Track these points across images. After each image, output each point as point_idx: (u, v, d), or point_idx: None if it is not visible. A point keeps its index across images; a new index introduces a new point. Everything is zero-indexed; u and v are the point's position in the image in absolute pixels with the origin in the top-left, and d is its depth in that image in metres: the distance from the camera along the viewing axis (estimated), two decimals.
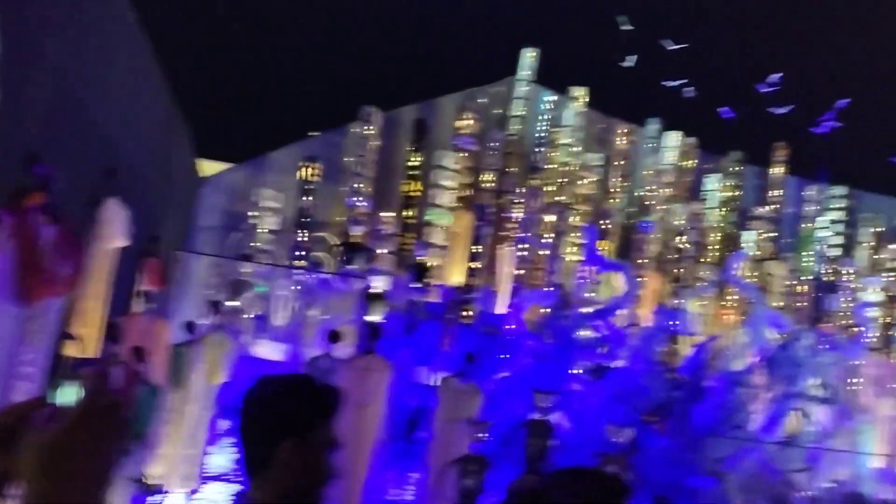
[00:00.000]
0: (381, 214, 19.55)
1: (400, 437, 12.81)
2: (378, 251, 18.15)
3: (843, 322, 20.86)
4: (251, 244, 17.01)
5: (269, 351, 13.99)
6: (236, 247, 16.92)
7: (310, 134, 20.98)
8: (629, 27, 25.62)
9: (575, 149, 22.69)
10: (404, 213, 20.39)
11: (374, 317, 13.64)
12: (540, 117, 23.10)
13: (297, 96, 29.06)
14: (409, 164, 20.86)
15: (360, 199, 19.13)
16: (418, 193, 20.73)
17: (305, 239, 17.75)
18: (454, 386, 11.62)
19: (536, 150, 22.59)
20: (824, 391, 14.01)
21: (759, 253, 22.97)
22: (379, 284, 15.28)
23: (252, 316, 14.91)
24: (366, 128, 19.94)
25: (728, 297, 21.53)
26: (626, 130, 23.93)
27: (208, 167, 19.10)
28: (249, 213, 17.66)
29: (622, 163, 23.49)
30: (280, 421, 2.04)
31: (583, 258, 19.44)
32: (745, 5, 31.44)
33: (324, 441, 2.09)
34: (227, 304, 14.48)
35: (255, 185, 18.32)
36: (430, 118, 21.93)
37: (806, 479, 14.27)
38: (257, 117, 27.32)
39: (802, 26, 29.91)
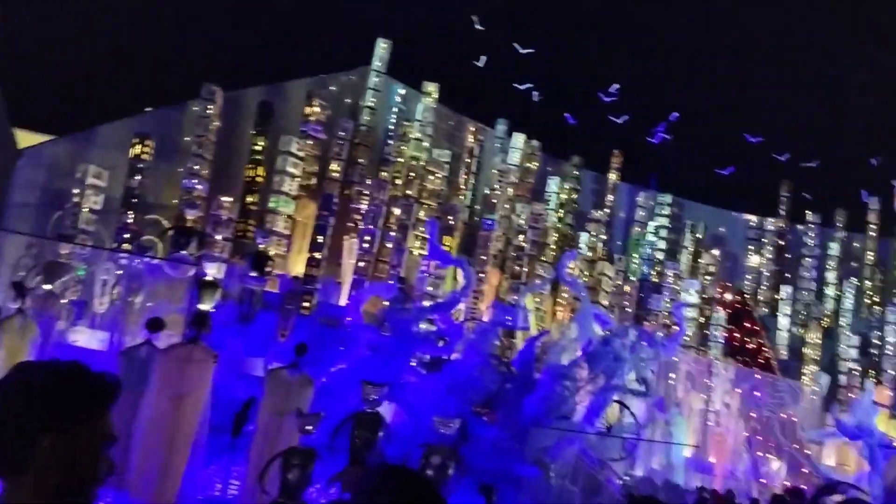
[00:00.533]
0: (220, 199, 18.79)
1: (226, 430, 12.33)
2: (214, 237, 17.44)
3: (664, 321, 22.27)
4: (72, 224, 15.82)
5: (86, 338, 13.06)
6: (55, 226, 15.70)
7: (144, 109, 19.86)
8: (481, 27, 26.08)
9: (425, 144, 22.83)
10: (245, 199, 19.73)
11: (206, 305, 13.04)
12: (392, 110, 23.05)
13: (131, 66, 27.36)
14: (253, 147, 20.21)
15: (197, 181, 18.30)
16: (261, 179, 20.11)
17: (133, 221, 16.74)
18: (283, 377, 11.30)
19: (386, 142, 22.54)
20: (641, 385, 14.82)
21: (591, 254, 24.09)
22: (213, 272, 14.62)
23: (69, 301, 13.86)
24: (207, 107, 19.09)
25: (563, 295, 22.43)
26: (475, 129, 24.37)
27: (26, 138, 17.60)
28: (72, 191, 16.44)
29: (470, 161, 23.92)
30: (40, 413, 1.80)
31: (426, 252, 19.58)
32: (590, 18, 32.79)
33: (96, 435, 1.88)
34: (43, 287, 13.38)
35: (79, 161, 17.06)
36: (277, 102, 21.33)
37: (622, 467, 15.05)
38: (85, 86, 25.45)
39: (641, 40, 31.60)
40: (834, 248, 26.82)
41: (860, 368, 23.89)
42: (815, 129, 30.31)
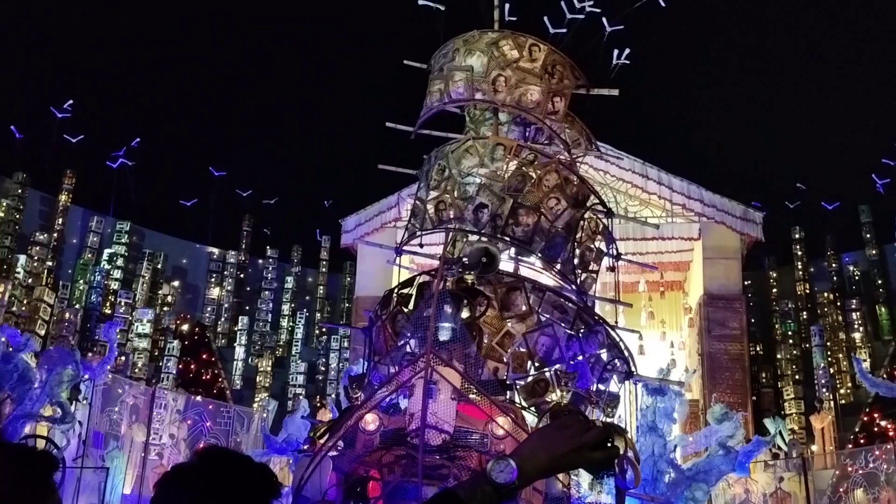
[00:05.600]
0: None
1: None
2: None
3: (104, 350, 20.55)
4: None
5: None
6: None
7: None
8: None
9: None
10: None
11: None
12: None
13: None
14: None
15: None
16: None
17: None
18: None
19: None
20: (62, 412, 13.06)
21: (30, 280, 21.32)
22: None
23: None
24: None
25: None
26: None
27: None
28: None
29: None
30: None
31: None
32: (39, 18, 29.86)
33: None
34: None
35: None
36: None
37: None
38: None
39: (93, 50, 29.73)
40: (290, 282, 28.24)
41: (306, 393, 25.22)
42: (276, 168, 31.98)
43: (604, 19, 14.91)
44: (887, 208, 25.14)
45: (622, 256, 13.27)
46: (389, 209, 22.39)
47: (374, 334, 12.48)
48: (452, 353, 9.75)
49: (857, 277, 26.27)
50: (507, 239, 12.09)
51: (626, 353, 12.14)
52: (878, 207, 25.91)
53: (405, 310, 12.03)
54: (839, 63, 32.04)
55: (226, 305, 26.85)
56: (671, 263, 22.27)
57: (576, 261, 12.54)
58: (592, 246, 12.80)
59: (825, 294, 26.09)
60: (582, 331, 11.89)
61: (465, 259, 11.61)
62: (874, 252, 26.00)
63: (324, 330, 27.22)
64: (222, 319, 26.63)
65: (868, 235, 26.14)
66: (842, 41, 32.66)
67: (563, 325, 11.94)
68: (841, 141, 29.57)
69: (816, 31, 33.08)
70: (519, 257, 12.88)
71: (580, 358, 11.67)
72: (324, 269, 28.94)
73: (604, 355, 11.89)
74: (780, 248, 27.00)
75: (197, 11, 31.64)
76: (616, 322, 13.13)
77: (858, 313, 25.22)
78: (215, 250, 27.41)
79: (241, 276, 27.63)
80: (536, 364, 11.44)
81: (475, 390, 9.63)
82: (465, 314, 10.69)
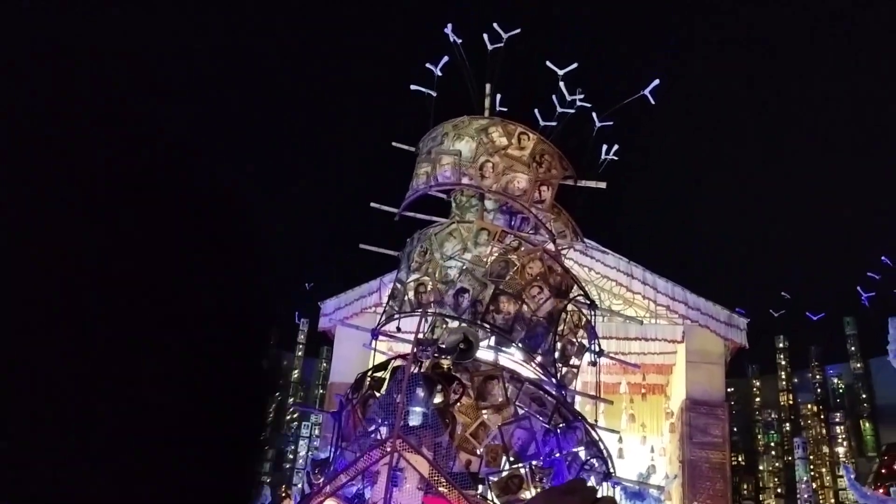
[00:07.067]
0: None
1: None
2: None
3: None
4: None
5: None
6: None
7: None
8: None
9: None
10: None
11: None
12: None
13: None
14: None
15: None
16: None
17: None
18: None
19: None
20: None
21: None
22: None
23: None
24: None
25: None
26: None
27: None
28: None
29: None
30: None
31: None
32: None
33: None
34: None
35: None
36: None
37: None
38: None
39: None
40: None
41: (272, 482, 24.13)
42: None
43: (594, 115, 14.94)
44: (872, 322, 24.99)
45: (605, 354, 12.89)
46: (370, 294, 22.05)
47: (344, 418, 11.89)
48: (422, 440, 9.20)
49: (841, 390, 25.87)
50: (487, 326, 11.70)
51: (606, 453, 11.58)
52: (863, 320, 25.78)
53: (377, 394, 11.51)
54: (828, 173, 32.60)
55: None
56: (654, 365, 21.85)
57: (556, 353, 12.12)
58: (574, 340, 12.42)
59: (809, 406, 25.64)
60: (560, 426, 11.36)
61: (442, 343, 11.20)
62: (859, 366, 25.71)
63: (295, 416, 26.32)
64: None
65: (853, 348, 25.92)
66: (830, 152, 33.35)
67: (540, 418, 11.42)
68: (827, 252, 29.75)
69: (803, 141, 33.83)
70: (499, 347, 12.45)
71: (557, 454, 11.10)
72: (300, 353, 28.26)
73: (582, 453, 11.32)
74: (763, 356, 26.69)
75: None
76: (596, 422, 12.60)
77: (842, 427, 24.72)
78: None
79: None
80: (511, 458, 10.87)
81: (445, 482, 9.05)
82: (438, 399, 10.19)
